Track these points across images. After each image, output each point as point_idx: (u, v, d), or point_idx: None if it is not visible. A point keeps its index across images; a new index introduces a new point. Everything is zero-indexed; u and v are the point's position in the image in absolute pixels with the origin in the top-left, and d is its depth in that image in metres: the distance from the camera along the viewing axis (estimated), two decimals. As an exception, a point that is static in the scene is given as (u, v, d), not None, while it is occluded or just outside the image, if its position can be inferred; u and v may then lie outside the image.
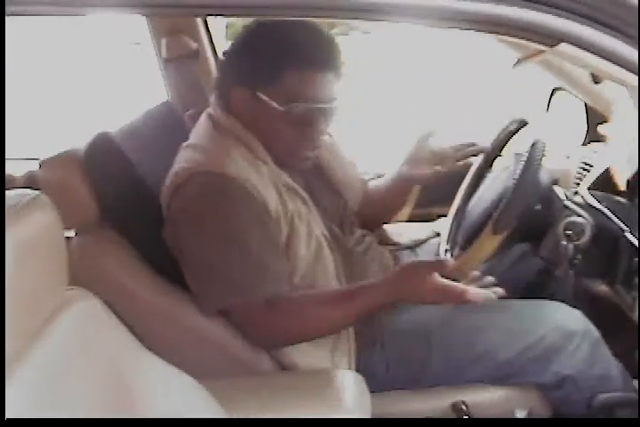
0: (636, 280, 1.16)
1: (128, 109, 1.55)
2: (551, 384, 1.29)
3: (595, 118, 1.76)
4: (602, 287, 1.33)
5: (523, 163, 1.27)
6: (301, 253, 1.27)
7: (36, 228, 0.77)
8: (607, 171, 1.46)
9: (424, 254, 1.61)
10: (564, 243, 1.27)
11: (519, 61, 1.38)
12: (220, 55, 1.91)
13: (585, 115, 1.80)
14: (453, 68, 6.48)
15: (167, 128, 1.50)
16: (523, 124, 1.49)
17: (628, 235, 1.21)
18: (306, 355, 1.27)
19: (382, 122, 5.15)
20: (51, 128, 4.65)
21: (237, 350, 1.26)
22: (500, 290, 1.20)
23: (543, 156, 1.27)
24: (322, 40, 1.25)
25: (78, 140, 1.33)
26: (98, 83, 6.28)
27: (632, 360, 1.30)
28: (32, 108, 5.46)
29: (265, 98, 1.24)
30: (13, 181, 1.67)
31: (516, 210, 1.26)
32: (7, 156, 1.40)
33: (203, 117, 1.34)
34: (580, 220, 1.27)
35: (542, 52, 0.97)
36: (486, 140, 1.56)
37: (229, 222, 1.21)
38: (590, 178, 1.53)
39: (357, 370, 1.27)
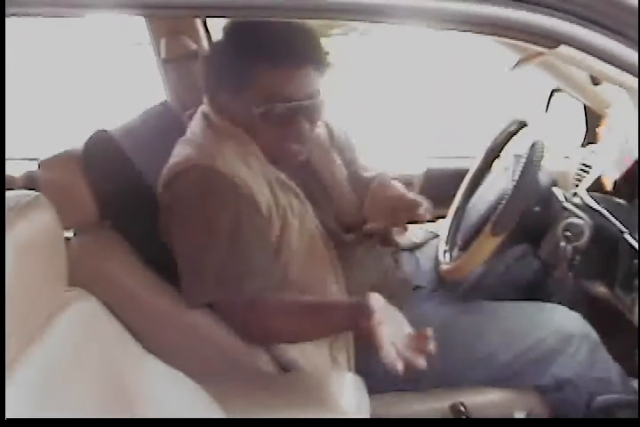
0: (636, 282, 1.16)
1: (128, 110, 1.55)
2: (550, 387, 1.29)
3: (594, 120, 1.77)
4: (601, 289, 1.33)
5: (522, 164, 1.27)
6: (295, 248, 1.27)
7: (36, 228, 0.77)
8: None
9: (423, 256, 1.61)
10: (563, 244, 1.27)
11: (519, 63, 1.38)
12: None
13: (584, 116, 1.80)
14: (452, 70, 6.47)
15: (166, 128, 1.50)
16: (522, 125, 1.49)
17: (628, 236, 1.21)
18: (305, 354, 1.27)
19: (380, 123, 5.15)
20: (50, 128, 4.65)
21: (237, 349, 1.25)
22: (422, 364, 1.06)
23: (542, 157, 1.27)
24: (293, 35, 1.21)
25: (77, 140, 1.33)
26: (98, 83, 6.28)
27: (631, 362, 1.30)
28: (32, 108, 5.46)
29: (244, 99, 1.23)
30: (13, 181, 1.67)
31: (515, 211, 1.26)
32: (7, 156, 1.40)
33: (198, 115, 1.33)
34: (579, 221, 1.27)
35: (542, 53, 0.97)
36: (485, 142, 1.57)
37: (217, 217, 1.20)
38: (589, 179, 1.53)
39: (356, 371, 1.27)
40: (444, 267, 1.41)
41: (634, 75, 0.78)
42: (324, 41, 1.30)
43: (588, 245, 1.26)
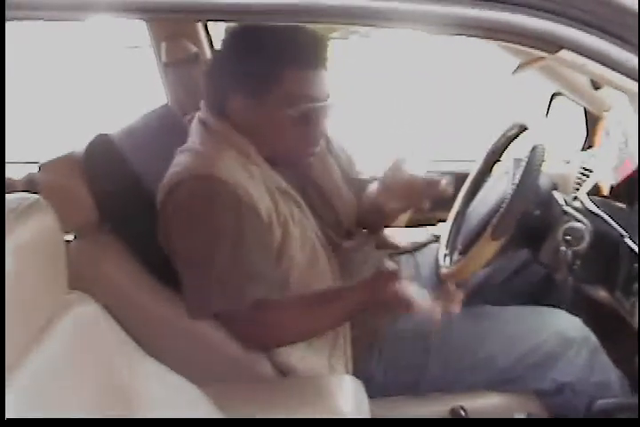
0: (636, 286, 1.16)
1: (126, 113, 1.55)
2: (550, 391, 1.29)
3: (594, 124, 1.77)
4: (601, 293, 1.33)
5: (522, 168, 1.27)
6: (296, 257, 1.27)
7: (36, 232, 0.77)
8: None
9: (423, 259, 1.61)
10: (564, 248, 1.26)
11: (519, 67, 1.38)
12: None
13: (584, 120, 1.81)
14: (453, 73, 6.48)
15: (166, 131, 1.50)
16: (522, 129, 1.49)
17: (628, 240, 1.21)
18: (304, 360, 1.26)
19: (380, 125, 5.16)
20: (50, 132, 4.66)
21: (236, 354, 1.25)
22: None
23: (543, 161, 1.27)
24: (312, 38, 1.24)
25: (77, 143, 1.33)
26: (96, 86, 6.29)
27: (631, 367, 1.30)
28: (32, 111, 5.47)
29: (266, 101, 1.23)
30: (13, 184, 1.66)
31: (516, 215, 1.26)
32: (7, 159, 1.40)
33: (194, 122, 1.33)
34: (579, 225, 1.27)
35: (542, 58, 0.97)
36: (486, 145, 1.57)
37: (218, 226, 1.20)
38: (590, 183, 1.53)
39: (355, 375, 1.27)
40: (445, 271, 1.40)
41: (634, 79, 0.78)
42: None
43: (588, 249, 1.26)
